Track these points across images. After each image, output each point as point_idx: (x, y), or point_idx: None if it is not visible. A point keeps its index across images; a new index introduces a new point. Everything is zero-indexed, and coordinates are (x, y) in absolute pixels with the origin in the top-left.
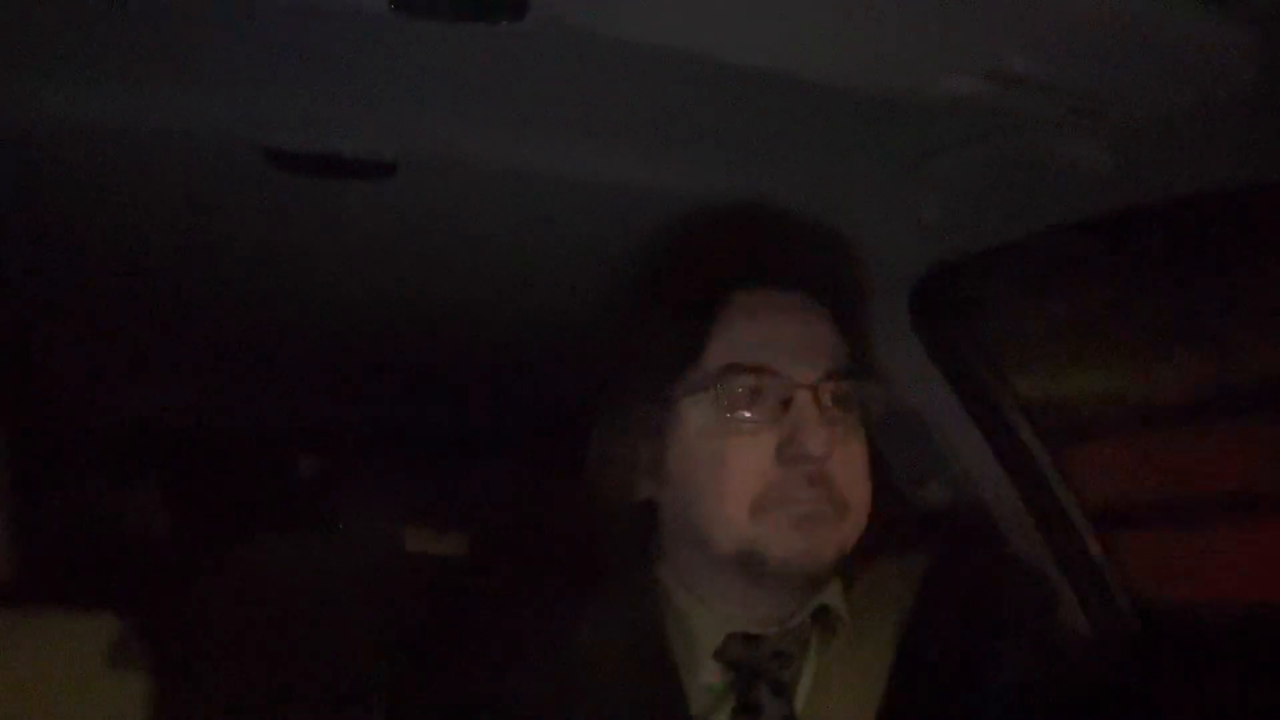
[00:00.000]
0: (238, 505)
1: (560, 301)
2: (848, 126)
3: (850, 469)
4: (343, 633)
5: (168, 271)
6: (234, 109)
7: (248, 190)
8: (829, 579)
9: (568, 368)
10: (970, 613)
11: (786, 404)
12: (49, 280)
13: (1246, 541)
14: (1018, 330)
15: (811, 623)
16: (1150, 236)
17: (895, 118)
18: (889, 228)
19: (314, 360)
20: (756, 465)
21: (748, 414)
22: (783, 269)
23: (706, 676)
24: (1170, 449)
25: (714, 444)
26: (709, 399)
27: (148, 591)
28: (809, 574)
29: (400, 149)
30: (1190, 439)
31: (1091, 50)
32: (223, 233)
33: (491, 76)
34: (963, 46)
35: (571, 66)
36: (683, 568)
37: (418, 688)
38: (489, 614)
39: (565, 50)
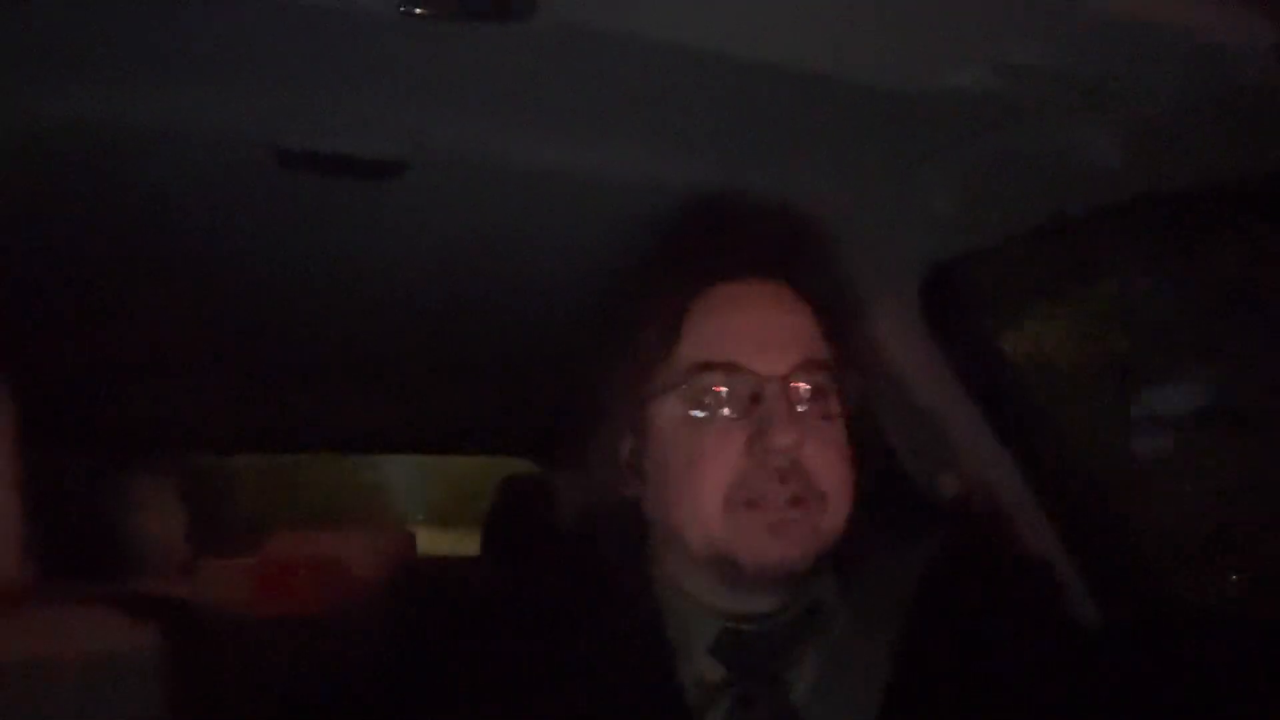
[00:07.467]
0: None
1: (572, 300)
2: (858, 121)
3: (825, 459)
4: (348, 631)
5: (176, 270)
6: (244, 109)
7: (258, 190)
8: (821, 571)
9: (575, 366)
10: (974, 603)
11: (756, 398)
12: (54, 279)
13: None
14: (1029, 321)
15: (807, 615)
16: (1161, 227)
17: (905, 111)
18: (900, 221)
19: (321, 358)
20: (726, 461)
21: (718, 411)
22: (755, 261)
23: (702, 672)
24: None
25: (686, 442)
26: (680, 396)
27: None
28: (787, 576)
29: (410, 148)
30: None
31: (1101, 40)
32: (232, 232)
33: (501, 75)
34: (970, 38)
35: (580, 64)
36: (670, 565)
37: (420, 686)
38: (491, 615)
39: (574, 48)
